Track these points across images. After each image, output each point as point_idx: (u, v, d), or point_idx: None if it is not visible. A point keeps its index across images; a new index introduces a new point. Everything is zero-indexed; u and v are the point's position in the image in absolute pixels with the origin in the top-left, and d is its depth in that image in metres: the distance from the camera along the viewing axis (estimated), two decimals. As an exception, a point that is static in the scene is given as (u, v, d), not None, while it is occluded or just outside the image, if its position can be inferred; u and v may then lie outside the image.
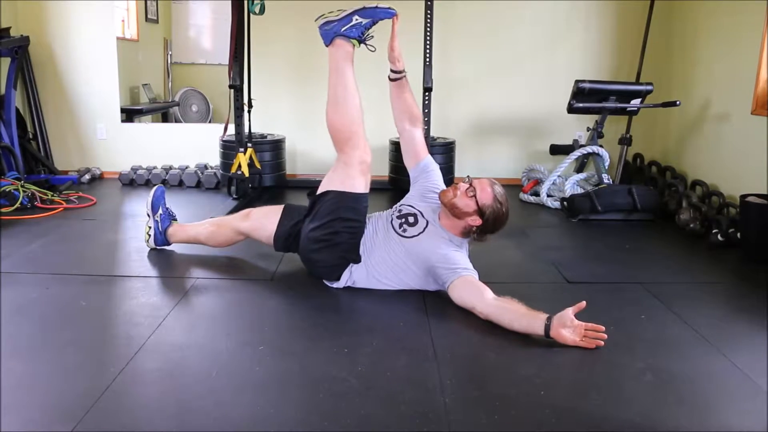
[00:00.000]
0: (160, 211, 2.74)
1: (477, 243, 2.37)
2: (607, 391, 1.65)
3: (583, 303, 1.91)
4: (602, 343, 1.87)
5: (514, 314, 1.98)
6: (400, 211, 2.40)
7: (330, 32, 2.41)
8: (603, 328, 1.89)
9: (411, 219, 2.34)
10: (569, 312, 1.89)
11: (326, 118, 2.44)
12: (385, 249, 2.29)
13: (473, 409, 1.55)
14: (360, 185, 2.29)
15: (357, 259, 2.29)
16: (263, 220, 2.49)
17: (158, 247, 2.77)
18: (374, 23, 2.38)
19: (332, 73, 2.46)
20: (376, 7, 2.33)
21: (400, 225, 2.33)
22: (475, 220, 2.24)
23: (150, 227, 2.76)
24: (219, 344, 1.90)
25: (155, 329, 1.97)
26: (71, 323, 2.03)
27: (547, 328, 1.89)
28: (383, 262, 2.29)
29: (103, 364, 1.74)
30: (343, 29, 2.39)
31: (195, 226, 2.74)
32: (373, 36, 2.31)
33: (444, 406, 1.56)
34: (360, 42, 2.36)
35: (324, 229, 2.27)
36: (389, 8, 2.33)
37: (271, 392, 1.62)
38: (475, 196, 2.22)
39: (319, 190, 2.35)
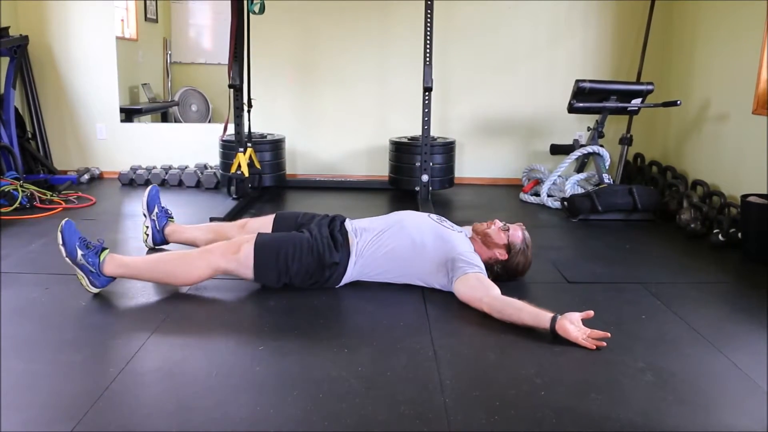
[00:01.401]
0: (156, 210, 2.74)
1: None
2: (607, 391, 1.65)
3: (591, 312, 1.95)
4: (604, 344, 1.89)
5: (520, 307, 2.01)
6: (430, 216, 2.49)
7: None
8: (609, 335, 1.91)
9: (449, 222, 2.50)
10: (577, 314, 1.95)
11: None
12: (403, 233, 2.33)
13: (473, 409, 1.55)
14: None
15: (338, 257, 2.30)
16: (259, 231, 2.48)
17: (157, 247, 2.77)
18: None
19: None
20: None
21: (438, 217, 2.50)
22: (502, 254, 2.37)
23: (147, 227, 2.75)
24: (219, 344, 1.90)
25: (155, 329, 1.97)
26: (71, 323, 2.03)
27: (554, 321, 1.92)
28: (403, 242, 2.32)
29: (103, 364, 1.74)
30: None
31: (193, 229, 2.73)
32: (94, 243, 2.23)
33: (444, 406, 1.55)
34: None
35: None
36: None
37: (271, 392, 1.61)
38: (508, 233, 2.39)
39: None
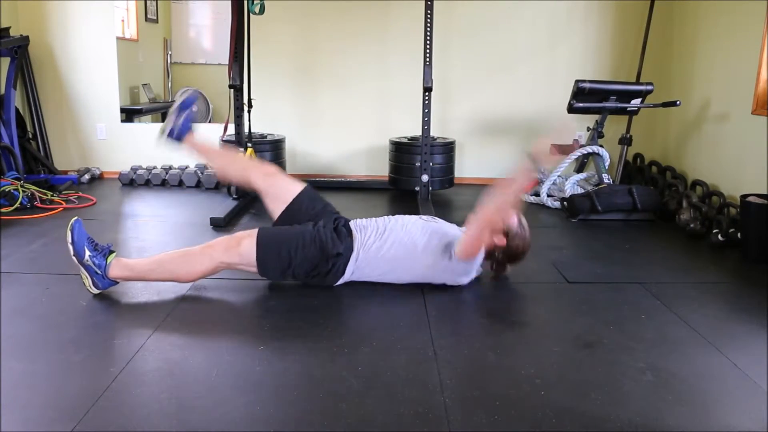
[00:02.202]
0: (185, 116, 2.45)
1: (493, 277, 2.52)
2: (607, 391, 1.65)
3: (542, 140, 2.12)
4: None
5: (493, 200, 2.15)
6: (421, 217, 2.50)
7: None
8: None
9: (442, 220, 2.51)
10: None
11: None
12: (402, 232, 2.35)
13: (473, 409, 1.55)
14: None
15: (341, 252, 2.31)
16: (277, 193, 2.50)
17: (169, 141, 2.52)
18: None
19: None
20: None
21: (430, 217, 2.51)
22: (501, 240, 2.37)
23: (168, 124, 2.47)
24: (219, 344, 1.90)
25: (155, 329, 1.97)
26: (71, 323, 2.03)
27: (529, 159, 2.07)
28: (398, 242, 2.33)
29: (104, 364, 1.74)
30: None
31: (211, 147, 2.61)
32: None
33: (444, 406, 1.56)
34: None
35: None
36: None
37: (271, 392, 1.62)
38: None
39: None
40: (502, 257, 2.42)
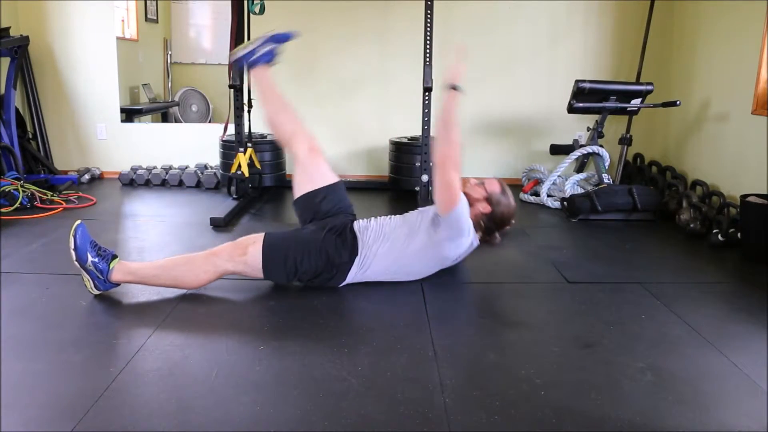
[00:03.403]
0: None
1: (486, 247, 2.49)
2: (607, 391, 1.65)
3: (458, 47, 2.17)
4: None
5: (442, 126, 2.21)
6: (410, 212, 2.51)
7: (252, 63, 2.53)
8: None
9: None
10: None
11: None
12: (399, 230, 2.36)
13: (473, 409, 1.55)
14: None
15: (347, 257, 2.31)
16: (320, 165, 2.50)
17: (242, 65, 2.55)
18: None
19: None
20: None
21: (423, 208, 2.51)
22: (485, 207, 2.39)
23: (250, 44, 2.49)
24: (219, 344, 1.90)
25: (155, 329, 1.97)
26: (71, 323, 2.04)
27: (450, 87, 2.16)
28: (397, 242, 2.34)
29: (103, 364, 1.74)
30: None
31: (273, 88, 2.59)
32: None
33: (444, 406, 1.56)
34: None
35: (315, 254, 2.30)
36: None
37: (271, 392, 1.62)
38: (484, 185, 2.42)
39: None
40: (489, 223, 2.41)
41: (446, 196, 2.19)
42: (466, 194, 2.36)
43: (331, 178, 2.48)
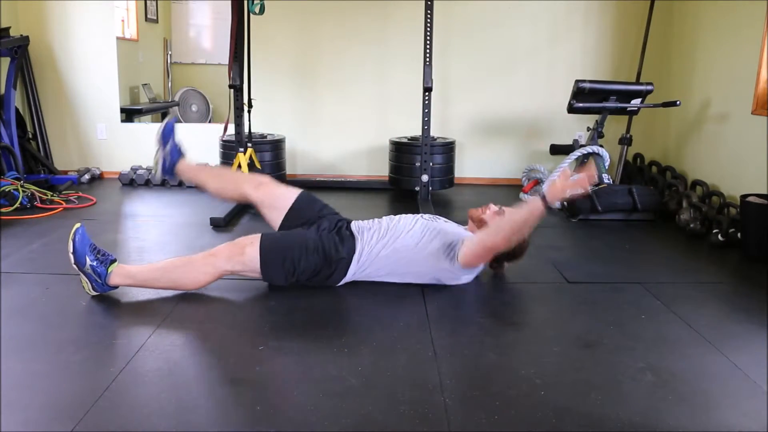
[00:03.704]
0: (170, 144, 2.57)
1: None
2: (607, 391, 1.65)
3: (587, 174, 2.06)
4: (590, 180, 2.01)
5: (510, 216, 2.12)
6: (423, 216, 2.50)
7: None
8: (592, 173, 2.02)
9: (443, 219, 2.51)
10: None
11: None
12: (404, 231, 2.36)
13: (473, 409, 1.55)
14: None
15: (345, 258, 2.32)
16: (272, 202, 2.49)
17: (165, 178, 2.71)
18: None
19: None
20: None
21: (431, 216, 2.51)
22: None
23: (158, 160, 2.60)
24: (219, 344, 1.90)
25: (155, 329, 1.97)
26: (71, 323, 2.04)
27: (543, 195, 2.01)
28: (400, 242, 2.33)
29: (103, 364, 1.74)
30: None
31: (205, 173, 2.67)
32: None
33: (444, 406, 1.56)
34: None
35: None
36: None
37: (271, 392, 1.62)
38: (503, 215, 2.39)
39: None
40: (501, 255, 2.41)
41: (474, 261, 2.26)
42: (482, 220, 2.40)
43: (292, 195, 2.50)
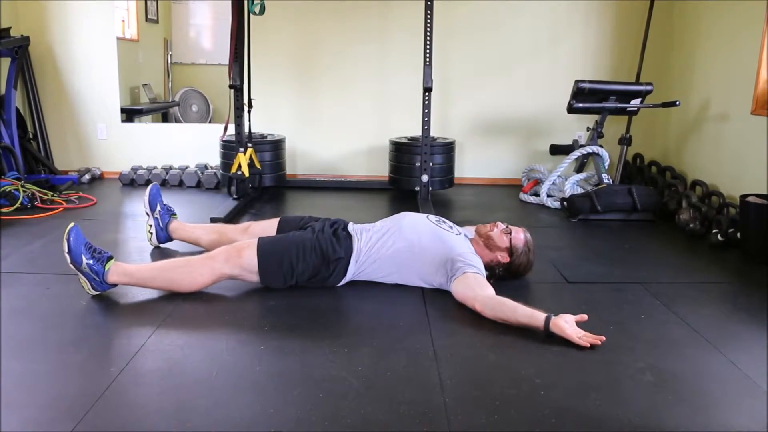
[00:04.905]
0: (159, 208, 2.75)
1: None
2: (607, 391, 1.65)
3: (585, 316, 1.97)
4: (599, 342, 1.89)
5: (514, 308, 2.02)
6: (428, 217, 2.49)
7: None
8: (604, 338, 1.91)
9: (449, 223, 2.49)
10: (571, 316, 1.97)
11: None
12: (407, 231, 2.35)
13: (473, 409, 1.55)
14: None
15: (342, 254, 2.31)
16: (261, 235, 2.47)
17: (162, 245, 2.80)
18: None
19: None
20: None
21: (437, 218, 2.50)
22: (504, 257, 2.39)
23: (151, 225, 2.77)
24: (219, 344, 1.90)
25: (155, 329, 1.97)
26: (71, 323, 2.04)
27: (548, 320, 1.93)
28: (402, 241, 2.33)
29: (103, 364, 1.74)
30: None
31: (197, 228, 2.76)
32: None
33: (444, 406, 1.56)
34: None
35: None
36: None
37: (271, 392, 1.62)
38: (510, 236, 2.39)
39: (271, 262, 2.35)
40: (503, 273, 2.42)
41: (463, 302, 2.17)
42: (489, 237, 2.39)
43: (274, 221, 2.59)
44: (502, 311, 2.03)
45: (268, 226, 2.59)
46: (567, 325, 1.92)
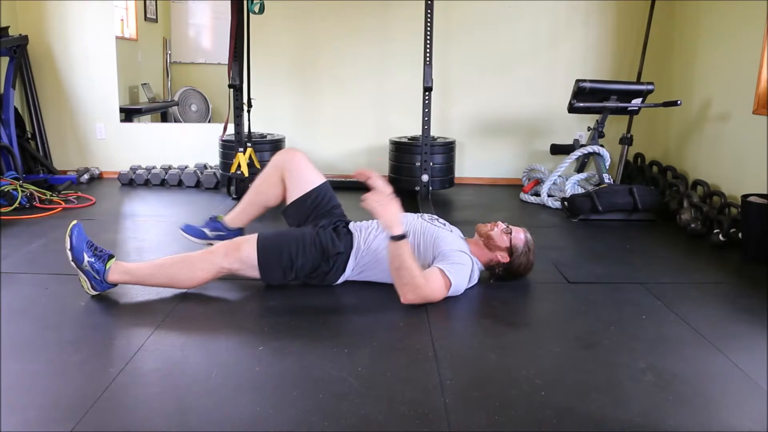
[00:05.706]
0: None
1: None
2: (607, 391, 1.65)
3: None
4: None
5: (397, 266, 2.14)
6: (422, 216, 2.49)
7: (102, 280, 2.19)
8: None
9: (441, 221, 2.50)
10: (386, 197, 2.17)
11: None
12: (409, 233, 2.34)
13: (473, 409, 1.54)
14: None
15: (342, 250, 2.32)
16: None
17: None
18: (85, 244, 2.19)
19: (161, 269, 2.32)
20: (69, 245, 2.16)
21: (431, 216, 2.50)
22: (504, 257, 2.38)
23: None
24: (219, 344, 1.90)
25: (155, 329, 1.97)
26: (71, 323, 2.03)
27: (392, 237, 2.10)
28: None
29: (103, 364, 1.74)
30: (97, 273, 2.18)
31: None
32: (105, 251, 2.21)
33: (444, 406, 1.55)
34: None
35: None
36: (72, 229, 2.19)
37: (271, 392, 1.61)
38: (510, 236, 2.38)
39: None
40: (503, 273, 2.41)
41: (425, 298, 2.17)
42: (490, 237, 2.37)
43: (317, 180, 2.54)
44: (403, 275, 2.12)
45: (309, 178, 2.52)
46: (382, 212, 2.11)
